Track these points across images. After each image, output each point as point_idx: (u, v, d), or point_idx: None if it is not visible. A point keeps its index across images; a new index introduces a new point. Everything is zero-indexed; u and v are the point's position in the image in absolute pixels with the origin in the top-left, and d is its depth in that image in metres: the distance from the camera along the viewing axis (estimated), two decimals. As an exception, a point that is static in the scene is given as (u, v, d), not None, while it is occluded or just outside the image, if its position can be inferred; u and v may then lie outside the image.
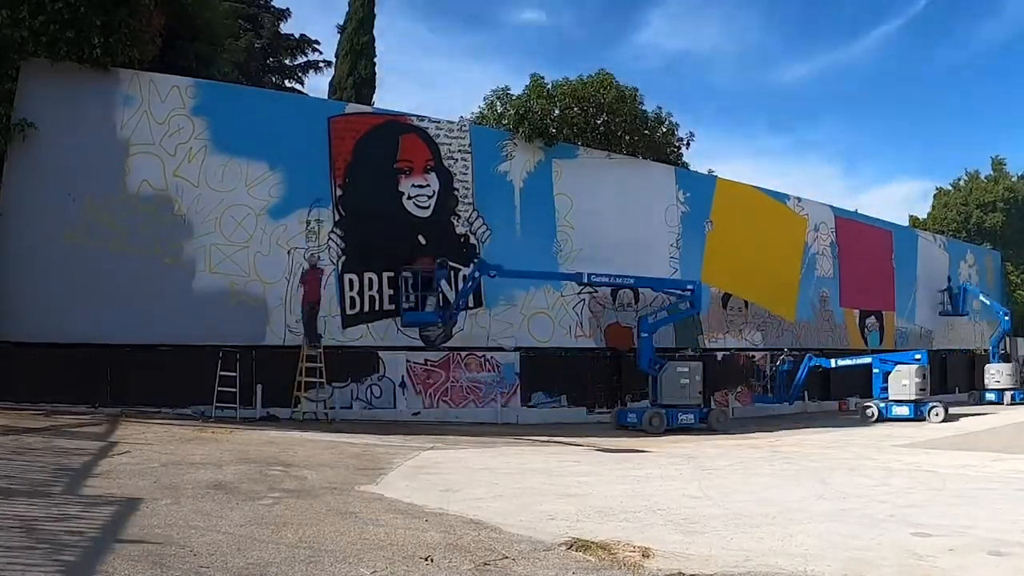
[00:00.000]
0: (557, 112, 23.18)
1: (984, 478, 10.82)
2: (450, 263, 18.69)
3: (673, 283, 20.91)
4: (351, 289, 18.39)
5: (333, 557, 5.64)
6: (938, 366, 31.91)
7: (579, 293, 21.08)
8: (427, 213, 19.41)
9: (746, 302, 24.62)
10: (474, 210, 19.88)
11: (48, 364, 15.36)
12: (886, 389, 21.60)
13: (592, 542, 6.25)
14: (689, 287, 19.77)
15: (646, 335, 19.12)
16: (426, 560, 5.62)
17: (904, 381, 21.18)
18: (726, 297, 24.31)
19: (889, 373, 21.45)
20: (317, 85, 75.07)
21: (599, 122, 24.57)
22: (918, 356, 21.52)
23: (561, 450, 14.21)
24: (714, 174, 26.44)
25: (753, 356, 24.62)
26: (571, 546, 6.16)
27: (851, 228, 29.04)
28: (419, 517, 7.33)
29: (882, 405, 21.44)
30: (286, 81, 32.27)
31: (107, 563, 5.25)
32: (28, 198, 15.89)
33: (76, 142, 16.25)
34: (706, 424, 18.76)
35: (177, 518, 6.82)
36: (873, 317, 29.46)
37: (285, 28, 32.54)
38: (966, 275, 34.51)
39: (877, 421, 20.94)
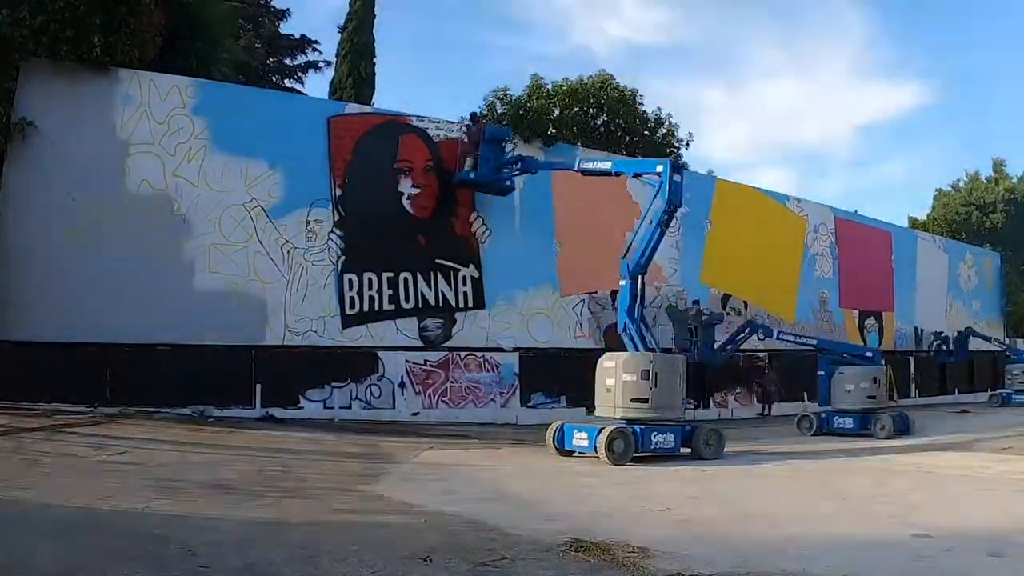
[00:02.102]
0: (556, 112, 23.17)
1: (984, 479, 10.82)
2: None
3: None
4: (351, 289, 18.38)
5: (332, 557, 5.63)
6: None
7: (579, 293, 21.06)
8: (427, 213, 19.41)
9: (745, 303, 24.61)
10: (474, 210, 19.88)
11: (48, 364, 15.35)
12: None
13: (592, 542, 6.22)
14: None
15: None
16: (425, 560, 5.61)
17: (848, 386, 17.63)
18: (726, 298, 24.29)
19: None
20: (317, 85, 75.03)
21: (599, 122, 24.57)
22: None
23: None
24: (714, 175, 26.43)
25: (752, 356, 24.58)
26: (571, 546, 6.14)
27: (851, 229, 29.05)
28: (418, 517, 7.32)
29: (823, 415, 18.07)
30: (286, 81, 32.23)
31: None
32: (28, 198, 15.89)
33: (76, 142, 16.26)
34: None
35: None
36: (873, 318, 29.46)
37: (285, 28, 32.52)
38: (965, 276, 34.49)
39: (816, 434, 17.52)
